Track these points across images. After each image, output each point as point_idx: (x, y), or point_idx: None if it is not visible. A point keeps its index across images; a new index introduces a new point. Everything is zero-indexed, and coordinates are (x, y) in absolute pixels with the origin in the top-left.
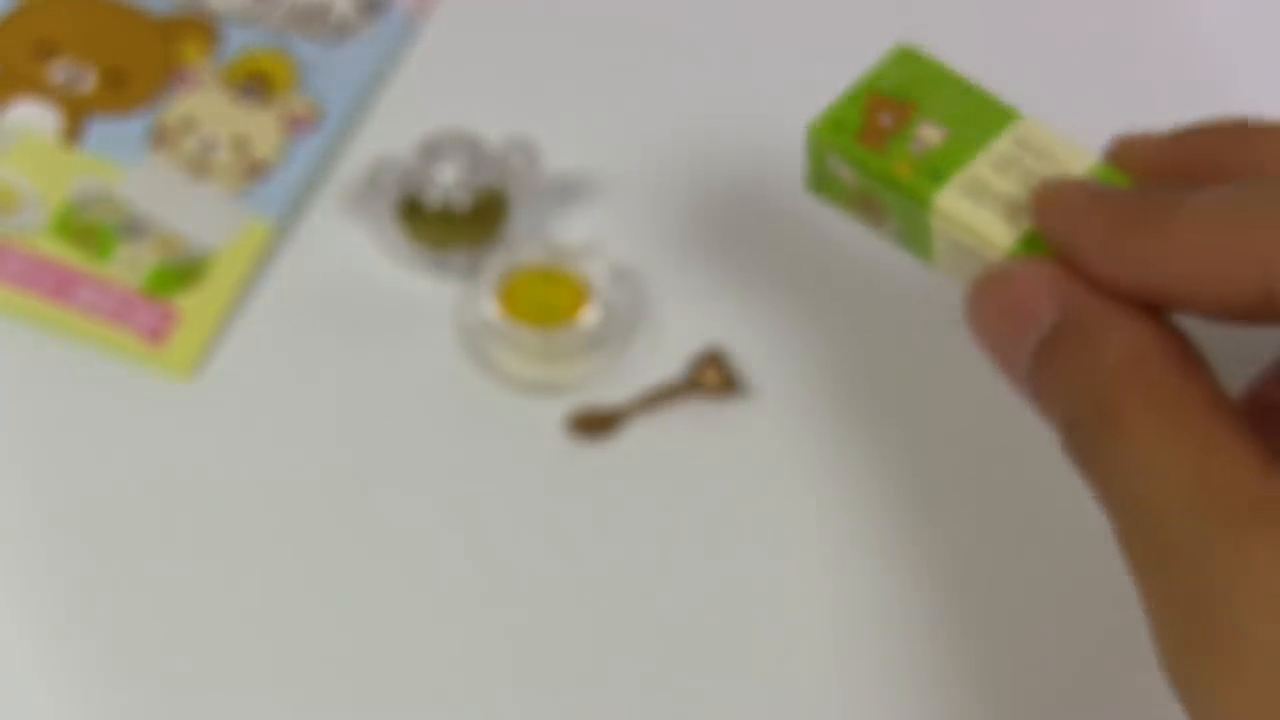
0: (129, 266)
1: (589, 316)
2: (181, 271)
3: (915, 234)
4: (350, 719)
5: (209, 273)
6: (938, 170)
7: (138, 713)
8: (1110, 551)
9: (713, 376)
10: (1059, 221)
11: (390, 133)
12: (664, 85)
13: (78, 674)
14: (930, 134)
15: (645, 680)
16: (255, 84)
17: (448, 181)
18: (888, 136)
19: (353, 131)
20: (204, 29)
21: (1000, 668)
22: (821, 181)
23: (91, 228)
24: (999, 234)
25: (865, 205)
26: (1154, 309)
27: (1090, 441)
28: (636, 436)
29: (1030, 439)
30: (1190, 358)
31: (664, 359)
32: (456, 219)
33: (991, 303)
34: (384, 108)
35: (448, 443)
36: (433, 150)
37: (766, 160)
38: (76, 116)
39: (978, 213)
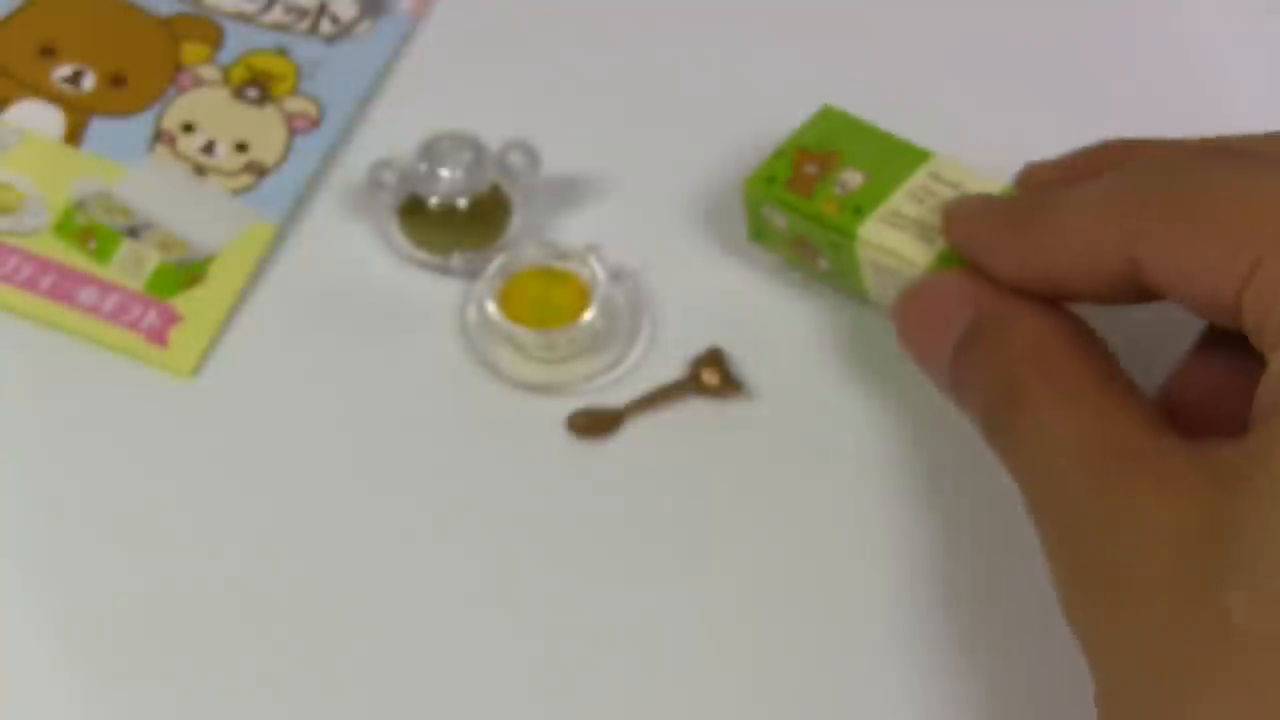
0: (130, 266)
1: (589, 316)
2: (183, 271)
3: (846, 268)
4: (352, 716)
5: (210, 273)
6: (860, 207)
7: (139, 710)
8: None
9: (713, 376)
10: (962, 230)
11: (390, 133)
12: (665, 84)
13: (80, 670)
14: (852, 178)
15: (645, 680)
16: (256, 84)
17: (448, 181)
18: (814, 182)
19: (353, 131)
20: (205, 29)
21: (1002, 665)
22: (760, 231)
23: (93, 228)
24: (917, 254)
25: (800, 248)
26: (1054, 302)
27: (1001, 421)
28: (637, 436)
29: None
30: (1088, 340)
31: (664, 359)
32: (457, 219)
33: (913, 312)
34: (384, 108)
35: (448, 443)
36: (433, 150)
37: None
38: (78, 117)
39: (897, 237)
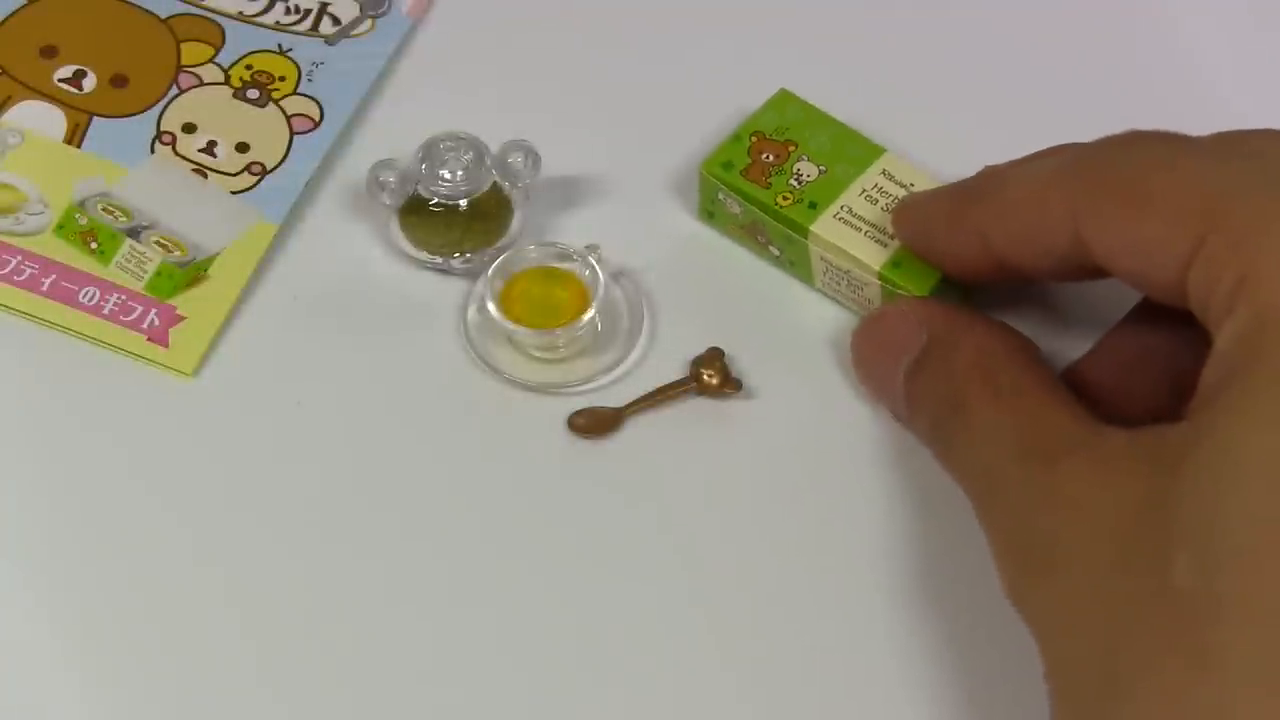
0: (132, 266)
1: (589, 316)
2: (184, 271)
3: (797, 258)
4: (354, 712)
5: (211, 273)
6: (815, 202)
7: (140, 708)
8: None
9: (713, 375)
10: (910, 222)
11: (390, 133)
12: (666, 85)
13: (80, 669)
14: (808, 169)
15: (646, 678)
16: (256, 84)
17: (448, 182)
18: (770, 172)
19: (353, 131)
20: (206, 29)
21: (1001, 663)
22: (711, 213)
23: (94, 228)
24: (870, 256)
25: (751, 233)
26: (999, 322)
27: (946, 431)
28: (637, 436)
29: None
30: (1025, 350)
31: (664, 359)
32: (457, 219)
33: (870, 341)
34: (384, 108)
35: (449, 443)
36: (433, 150)
37: None
38: (79, 117)
39: (851, 237)
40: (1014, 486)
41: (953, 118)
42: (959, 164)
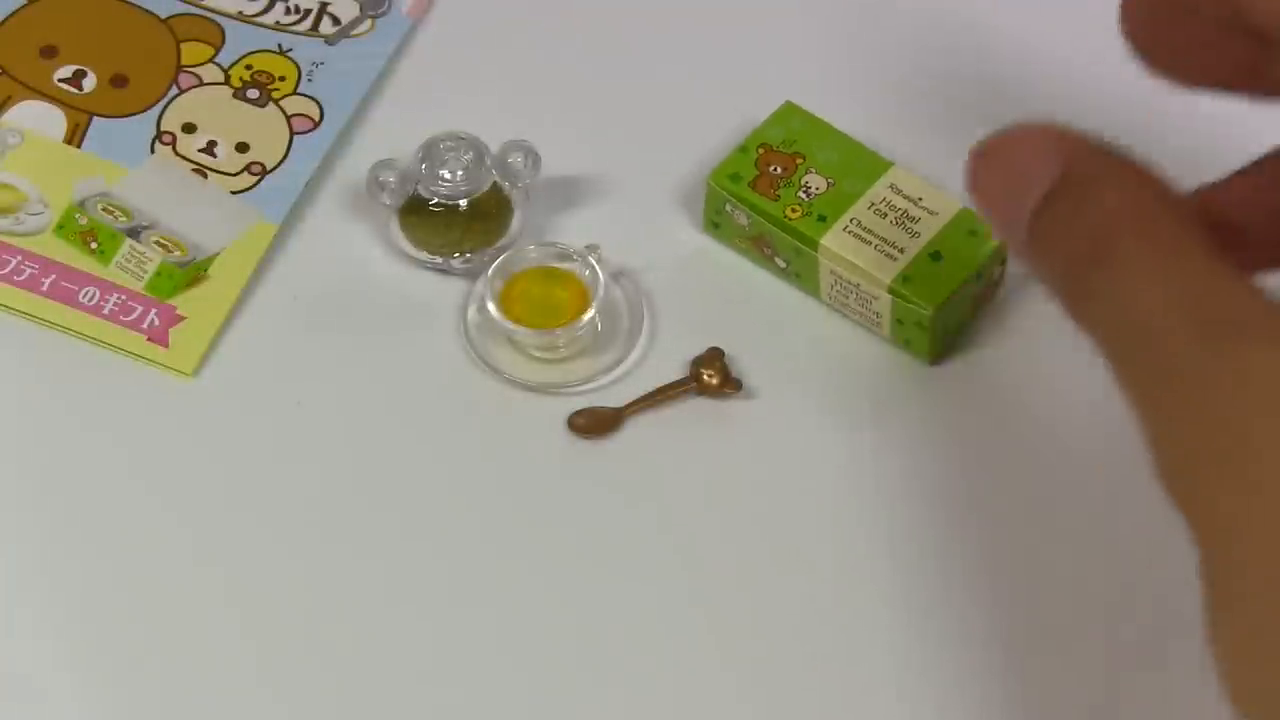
0: (132, 266)
1: (589, 316)
2: (184, 271)
3: (804, 271)
4: (354, 712)
5: (211, 273)
6: (824, 215)
7: (140, 707)
8: (1101, 548)
9: (713, 375)
10: (1135, 13)
11: (390, 133)
12: (665, 85)
13: (80, 668)
14: (816, 182)
15: (646, 677)
16: (256, 84)
17: (448, 182)
18: (778, 184)
19: (353, 131)
20: (206, 29)
21: (998, 664)
22: (717, 224)
23: (94, 228)
24: (881, 270)
25: (757, 244)
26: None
27: (1085, 280)
28: (638, 436)
29: (1030, 435)
30: (1186, 209)
31: (664, 359)
32: (457, 219)
33: (994, 165)
34: (384, 108)
35: (449, 443)
36: (433, 150)
37: None
38: (79, 117)
39: (860, 250)
40: (1183, 357)
41: (954, 124)
42: (961, 172)
